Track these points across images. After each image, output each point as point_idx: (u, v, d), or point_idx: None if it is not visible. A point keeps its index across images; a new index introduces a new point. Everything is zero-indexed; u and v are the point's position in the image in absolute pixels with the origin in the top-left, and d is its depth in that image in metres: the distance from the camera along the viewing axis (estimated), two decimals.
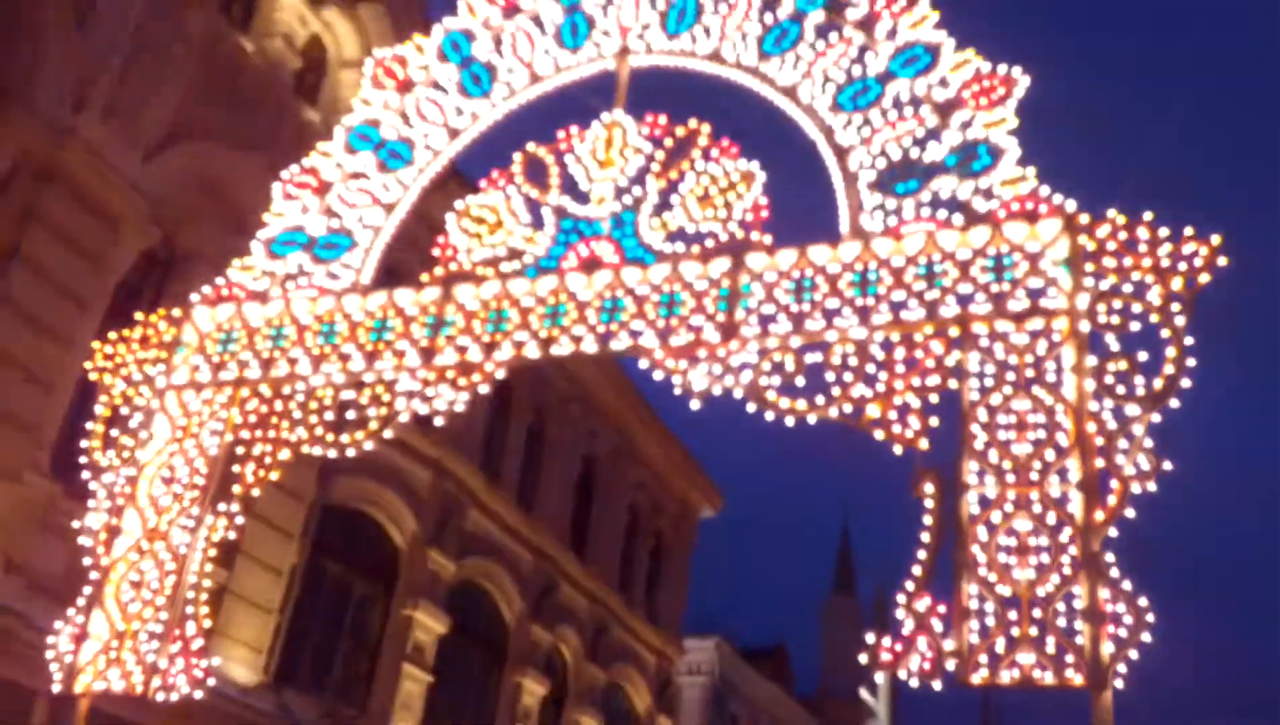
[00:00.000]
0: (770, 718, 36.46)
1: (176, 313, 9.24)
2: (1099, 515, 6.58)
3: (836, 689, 41.93)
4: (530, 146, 8.73)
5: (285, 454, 8.71)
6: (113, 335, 9.38)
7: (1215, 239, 6.74)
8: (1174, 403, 6.66)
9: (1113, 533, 6.60)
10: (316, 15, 16.02)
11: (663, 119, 8.41)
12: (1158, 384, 6.66)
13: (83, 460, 8.96)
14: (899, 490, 7.33)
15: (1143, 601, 6.28)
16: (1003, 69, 7.66)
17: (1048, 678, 6.26)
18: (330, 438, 8.70)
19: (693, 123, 8.27)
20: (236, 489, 8.54)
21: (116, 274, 12.90)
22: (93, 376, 9.35)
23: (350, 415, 8.78)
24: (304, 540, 14.90)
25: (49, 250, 11.97)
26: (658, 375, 7.84)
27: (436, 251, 8.66)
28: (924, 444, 7.11)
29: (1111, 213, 7.00)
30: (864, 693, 43.24)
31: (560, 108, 9.22)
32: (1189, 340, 6.67)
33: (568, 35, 9.19)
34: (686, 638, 27.91)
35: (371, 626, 16.58)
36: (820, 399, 7.40)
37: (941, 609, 6.61)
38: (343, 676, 16.06)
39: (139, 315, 9.55)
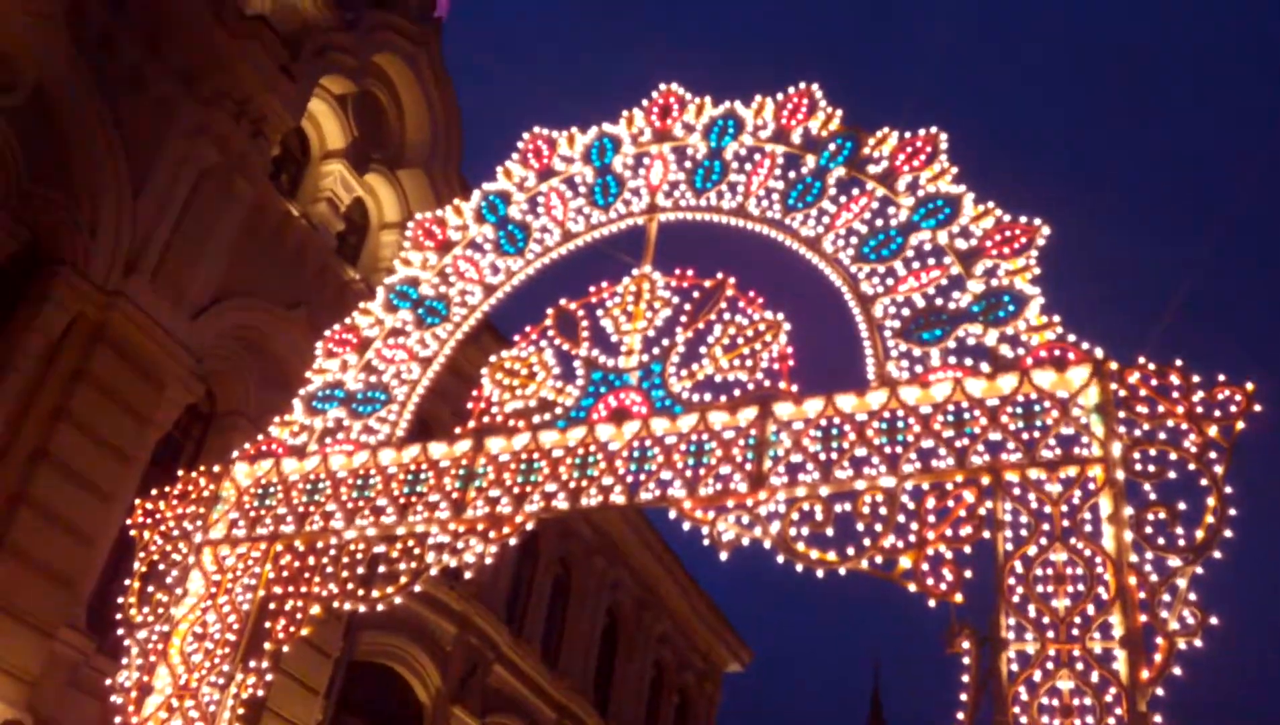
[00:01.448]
0: None
1: (216, 468, 9.19)
2: (1144, 674, 6.22)
3: None
4: (562, 301, 8.78)
5: (316, 609, 8.53)
6: (154, 491, 9.32)
7: (1249, 386, 6.56)
8: (1217, 554, 6.37)
9: (1159, 692, 6.24)
10: (359, 181, 16.55)
11: (690, 272, 8.43)
12: (1199, 534, 6.37)
13: (118, 616, 8.79)
14: (933, 644, 7.01)
15: None
16: (1024, 218, 7.67)
17: None
18: (360, 592, 8.53)
19: (719, 275, 8.29)
20: (267, 645, 8.33)
21: (160, 429, 12.96)
22: (132, 532, 9.25)
23: (381, 569, 8.62)
24: (329, 697, 14.46)
25: (96, 408, 12.07)
26: (686, 526, 7.63)
27: (470, 404, 8.62)
28: (958, 597, 6.82)
29: (1141, 359, 6.85)
30: None
31: (591, 261, 9.32)
32: (1228, 488, 6.42)
33: (599, 195, 9.33)
34: None
35: None
36: (850, 550, 7.15)
37: None
38: None
39: (180, 471, 9.51)
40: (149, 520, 9.13)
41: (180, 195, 13.29)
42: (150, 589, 8.75)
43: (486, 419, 8.46)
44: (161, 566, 8.89)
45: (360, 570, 8.59)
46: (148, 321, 12.58)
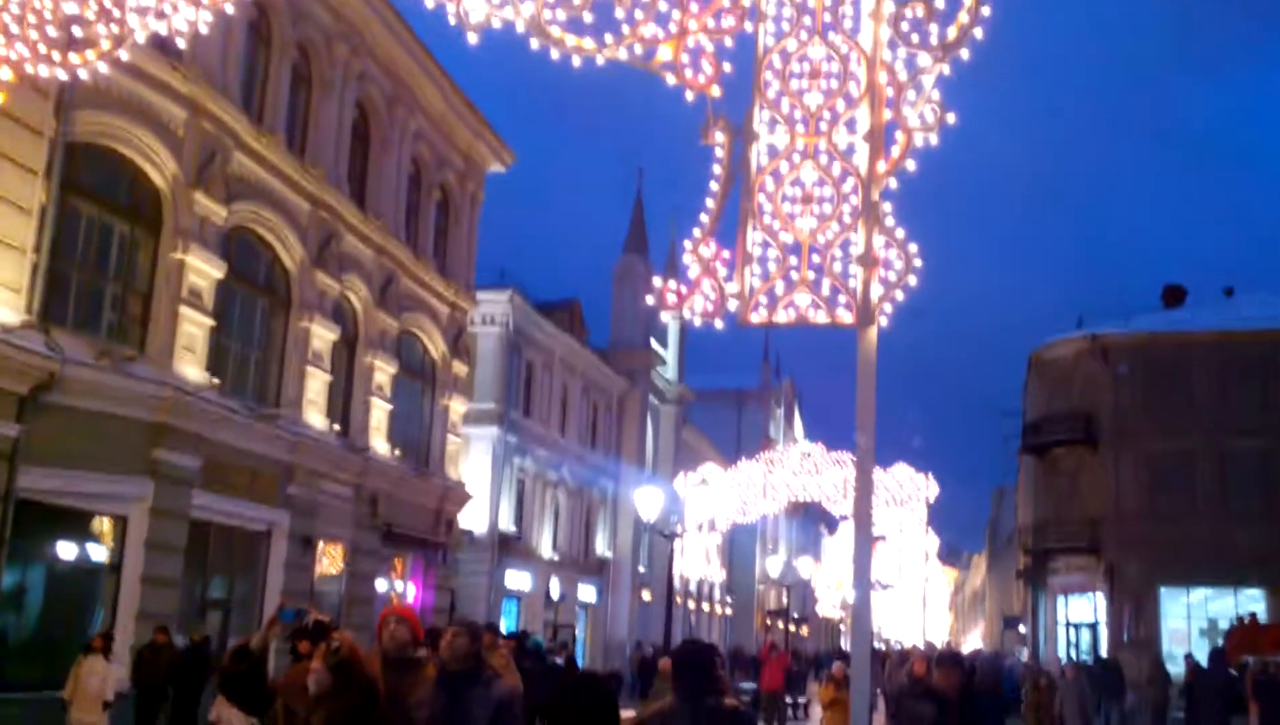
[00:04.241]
0: (563, 366, 38.05)
1: None
2: (881, 166, 6.71)
3: (627, 340, 43.85)
4: None
5: (6, 73, 8.03)
6: None
7: None
8: (965, 54, 6.64)
9: (893, 183, 6.77)
10: None
11: None
12: (951, 33, 6.59)
13: None
14: (692, 144, 7.22)
15: (912, 247, 6.56)
16: None
17: (820, 317, 6.63)
18: (57, 57, 7.92)
19: None
20: None
21: None
22: None
23: (77, 33, 7.91)
24: (50, 178, 13.68)
25: None
26: (429, 2, 7.18)
27: None
28: (716, 91, 7.00)
29: None
30: (654, 342, 45.49)
31: None
32: None
33: None
34: (480, 290, 28.16)
35: (141, 270, 15.80)
36: (609, 38, 7.02)
37: (726, 255, 6.78)
38: (116, 319, 15.53)
39: None
40: None
41: None
42: None
43: None
44: None
45: (52, 32, 7.91)
46: None
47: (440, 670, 5.08)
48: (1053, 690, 14.06)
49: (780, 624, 41.60)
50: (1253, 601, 35.54)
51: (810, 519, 74.21)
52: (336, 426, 20.32)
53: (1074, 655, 38.56)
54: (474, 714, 4.94)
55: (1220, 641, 26.72)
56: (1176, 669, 26.31)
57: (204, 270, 16.23)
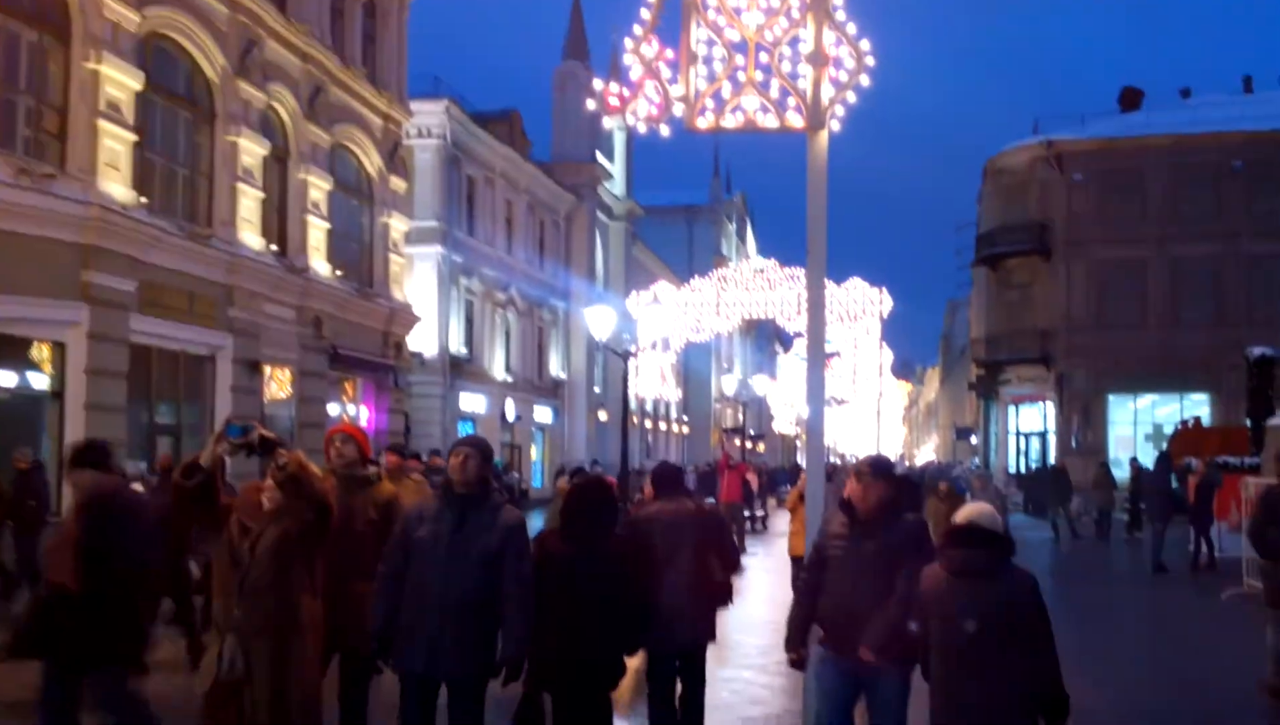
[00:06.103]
0: (506, 181, 37.47)
1: None
2: None
3: (571, 153, 43.05)
4: None
5: None
6: None
7: None
8: None
9: None
10: None
11: None
12: None
13: None
14: None
15: (864, 44, 6.45)
16: None
17: (770, 121, 6.52)
18: None
19: None
20: None
21: None
22: None
23: None
24: None
25: None
26: None
27: None
28: None
29: None
30: (600, 156, 44.77)
31: None
32: None
33: None
34: (414, 100, 27.37)
35: (54, 82, 15.21)
36: None
37: (670, 54, 6.59)
38: (32, 136, 15.03)
39: None
40: None
41: None
42: None
43: None
44: None
45: None
46: None
47: (447, 490, 5.14)
48: (954, 498, 12.01)
49: (737, 441, 42.76)
50: (1198, 406, 37.04)
51: (765, 336, 75.29)
52: (274, 247, 20.08)
53: (1025, 464, 40.21)
54: (482, 539, 4.95)
55: (1165, 446, 27.94)
56: (1122, 473, 27.61)
57: (121, 81, 15.64)
